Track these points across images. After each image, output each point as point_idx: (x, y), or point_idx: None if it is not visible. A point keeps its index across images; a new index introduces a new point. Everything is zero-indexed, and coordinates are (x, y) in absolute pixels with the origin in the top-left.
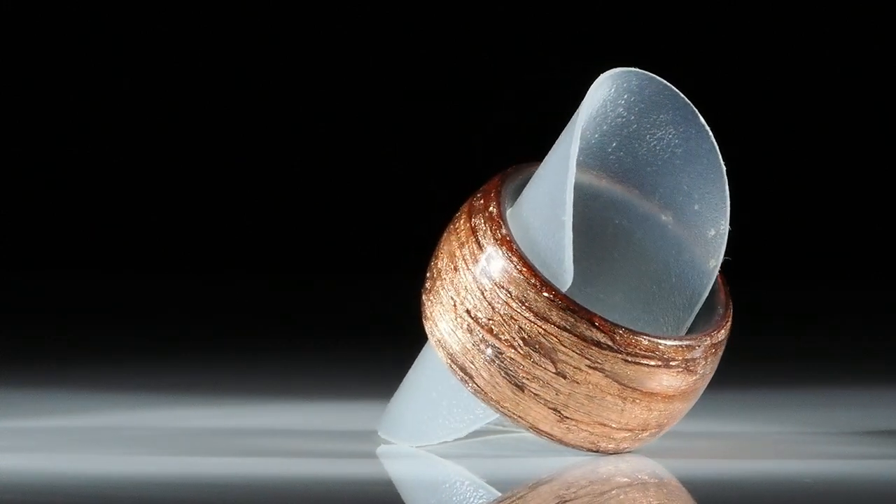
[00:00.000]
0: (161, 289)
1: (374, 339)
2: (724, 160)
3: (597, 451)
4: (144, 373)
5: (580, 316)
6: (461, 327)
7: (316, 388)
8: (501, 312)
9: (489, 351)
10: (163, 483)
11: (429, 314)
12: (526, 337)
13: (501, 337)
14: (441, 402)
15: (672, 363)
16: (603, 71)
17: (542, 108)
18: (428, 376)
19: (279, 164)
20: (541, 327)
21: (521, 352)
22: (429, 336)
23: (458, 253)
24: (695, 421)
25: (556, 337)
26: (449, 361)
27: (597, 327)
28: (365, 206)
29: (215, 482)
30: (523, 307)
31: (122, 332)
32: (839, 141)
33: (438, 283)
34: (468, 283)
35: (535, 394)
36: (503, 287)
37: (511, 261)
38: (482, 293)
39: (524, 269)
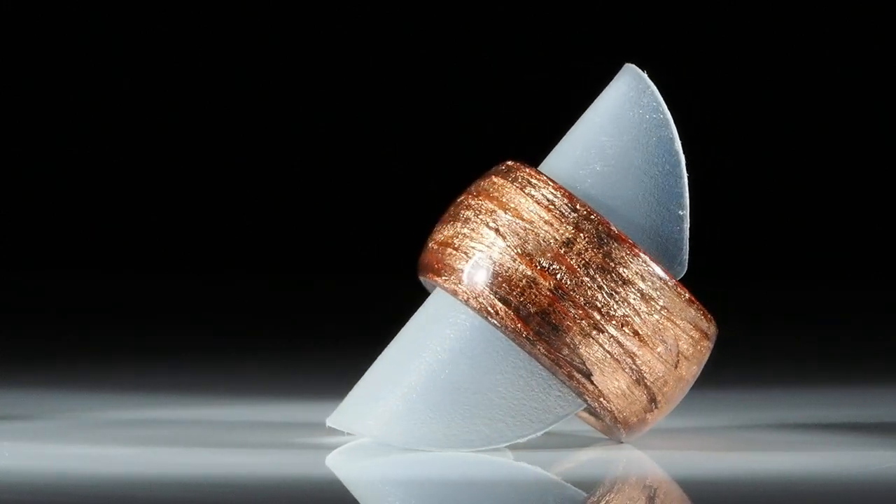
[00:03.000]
0: (161, 289)
1: (373, 338)
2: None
3: (628, 439)
4: (144, 372)
5: (698, 309)
6: (593, 328)
7: (317, 387)
8: (638, 309)
9: (618, 349)
10: (165, 482)
11: (547, 321)
12: (660, 332)
13: (637, 330)
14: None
15: (713, 344)
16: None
17: (542, 108)
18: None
19: (279, 164)
20: (671, 322)
21: (652, 346)
22: (522, 341)
23: (574, 258)
24: (698, 418)
25: (682, 331)
26: (553, 360)
27: (707, 319)
28: (365, 206)
29: (217, 479)
30: (658, 304)
31: (122, 332)
32: (839, 141)
33: (546, 286)
34: (605, 286)
35: (647, 386)
36: (637, 286)
37: (645, 262)
38: (616, 293)
39: (658, 270)
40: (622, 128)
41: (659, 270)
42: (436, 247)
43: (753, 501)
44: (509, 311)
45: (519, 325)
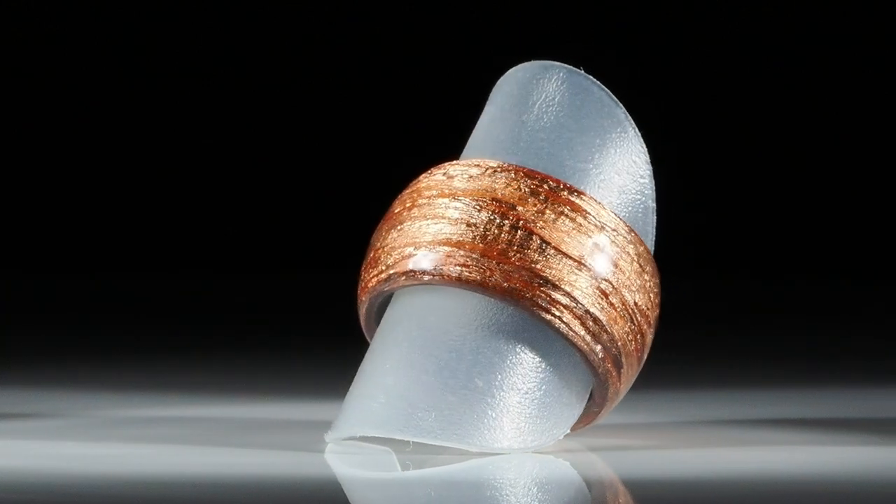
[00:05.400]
0: (161, 288)
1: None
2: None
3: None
4: (140, 372)
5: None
6: (626, 320)
7: (314, 386)
8: (651, 299)
9: (640, 336)
10: (159, 481)
11: (578, 316)
12: (656, 318)
13: (651, 322)
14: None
15: None
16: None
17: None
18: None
19: (278, 164)
20: (658, 308)
21: (653, 334)
22: (573, 338)
23: (604, 251)
24: (682, 412)
25: (655, 306)
26: (602, 356)
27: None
28: (363, 205)
29: (212, 478)
30: (657, 294)
31: (121, 332)
32: (837, 141)
33: (583, 282)
34: (632, 277)
35: (643, 368)
36: (649, 275)
37: (647, 251)
38: (643, 284)
39: (650, 258)
40: (585, 124)
41: (641, 246)
42: (435, 246)
43: (720, 500)
44: (570, 309)
45: (579, 327)
